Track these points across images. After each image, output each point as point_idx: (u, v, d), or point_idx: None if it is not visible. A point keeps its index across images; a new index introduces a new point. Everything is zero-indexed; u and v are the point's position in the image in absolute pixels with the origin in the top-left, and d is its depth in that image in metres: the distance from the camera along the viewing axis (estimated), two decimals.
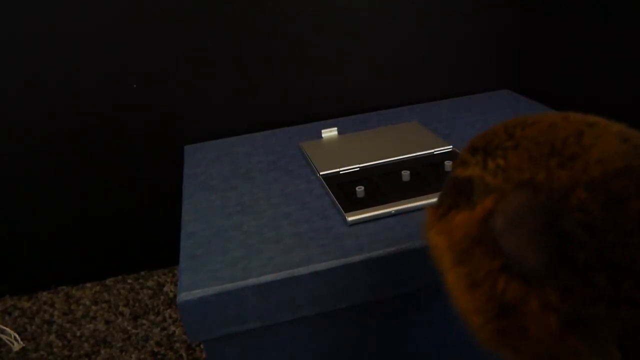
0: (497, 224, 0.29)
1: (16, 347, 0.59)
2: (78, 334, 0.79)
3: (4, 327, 0.58)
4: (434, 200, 0.57)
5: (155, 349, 0.74)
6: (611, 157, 0.28)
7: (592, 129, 0.30)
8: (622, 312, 0.25)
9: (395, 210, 0.57)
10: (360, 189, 0.60)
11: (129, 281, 0.91)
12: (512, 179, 0.30)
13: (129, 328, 0.79)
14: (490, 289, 0.29)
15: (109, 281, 0.91)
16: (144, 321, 0.80)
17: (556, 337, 0.27)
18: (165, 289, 0.88)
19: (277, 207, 0.61)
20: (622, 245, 0.25)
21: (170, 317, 0.81)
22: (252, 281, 0.49)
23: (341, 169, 0.67)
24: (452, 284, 0.33)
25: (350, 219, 0.56)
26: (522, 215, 0.28)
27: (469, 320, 0.32)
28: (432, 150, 0.70)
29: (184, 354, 0.73)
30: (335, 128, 0.79)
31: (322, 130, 0.78)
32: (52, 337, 0.79)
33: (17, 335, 0.59)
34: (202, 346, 0.73)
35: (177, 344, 0.75)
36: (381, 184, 0.62)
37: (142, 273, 0.93)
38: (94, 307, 0.85)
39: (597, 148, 0.29)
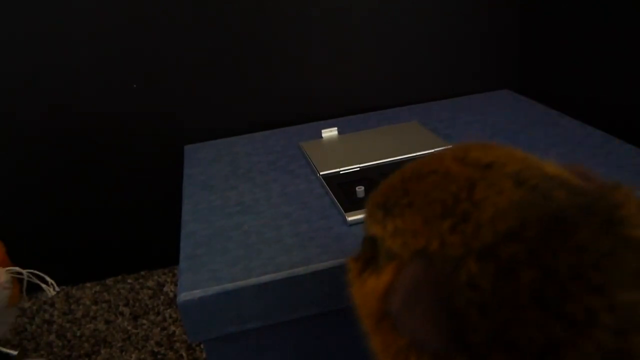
0: (394, 303, 0.27)
1: (52, 292, 0.62)
2: (78, 334, 0.79)
3: (44, 275, 0.61)
4: None
5: (155, 349, 0.74)
6: (502, 213, 0.25)
7: (485, 174, 0.28)
8: None
9: None
10: (360, 189, 0.60)
11: (129, 281, 0.91)
12: (408, 246, 0.28)
13: (129, 328, 0.79)
14: None
15: (109, 281, 0.91)
16: (144, 321, 0.80)
17: None
18: (165, 289, 0.88)
19: (277, 207, 0.61)
20: (517, 324, 0.22)
21: (170, 317, 0.81)
22: (252, 281, 0.49)
23: (341, 169, 0.67)
24: (376, 349, 0.31)
25: (350, 219, 0.56)
26: (417, 291, 0.26)
27: None
28: (432, 150, 0.70)
29: (184, 354, 0.73)
30: (335, 128, 0.79)
31: (322, 130, 0.78)
32: (52, 337, 0.79)
33: (53, 283, 0.62)
34: (202, 346, 0.73)
35: (177, 344, 0.75)
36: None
37: (142, 273, 0.93)
38: (94, 307, 0.85)
39: (489, 202, 0.26)
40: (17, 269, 0.61)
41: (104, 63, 0.80)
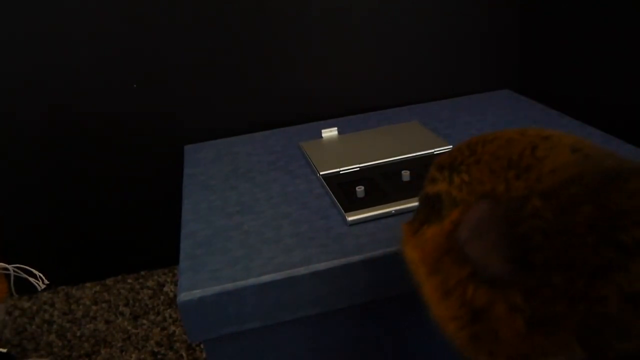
0: (462, 234, 0.32)
1: (41, 286, 0.61)
2: (78, 334, 0.79)
3: (32, 269, 0.60)
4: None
5: (155, 349, 0.74)
6: (563, 167, 0.30)
7: (545, 142, 0.33)
8: (579, 309, 0.26)
9: (395, 210, 0.57)
10: (360, 189, 0.60)
11: (129, 281, 0.91)
12: (475, 192, 0.32)
13: (129, 328, 0.79)
14: (461, 296, 0.31)
15: (109, 281, 0.91)
16: (144, 321, 0.80)
17: (523, 337, 0.28)
18: (165, 289, 0.88)
19: (277, 207, 0.61)
20: (574, 247, 0.26)
21: (170, 317, 0.81)
22: (252, 281, 0.49)
23: (341, 169, 0.67)
24: (428, 295, 0.34)
25: (350, 219, 0.56)
26: (484, 224, 0.30)
27: (445, 328, 0.33)
28: (432, 150, 0.70)
29: (184, 354, 0.73)
30: (335, 128, 0.79)
31: (322, 130, 0.78)
32: (52, 337, 0.79)
33: (42, 276, 0.61)
34: (202, 346, 0.73)
35: (177, 344, 0.75)
36: (381, 184, 0.62)
37: (142, 273, 0.93)
38: (94, 307, 0.85)
39: (550, 159, 0.31)
40: (3, 264, 0.60)
41: (104, 63, 0.80)
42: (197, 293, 0.48)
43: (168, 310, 0.82)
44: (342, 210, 0.57)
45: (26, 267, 0.60)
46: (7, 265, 0.60)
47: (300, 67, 0.87)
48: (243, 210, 0.61)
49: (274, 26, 0.84)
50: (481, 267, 0.30)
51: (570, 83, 0.85)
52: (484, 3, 0.89)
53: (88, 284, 0.91)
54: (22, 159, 0.82)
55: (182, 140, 0.87)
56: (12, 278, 0.61)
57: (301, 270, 0.50)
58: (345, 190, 0.61)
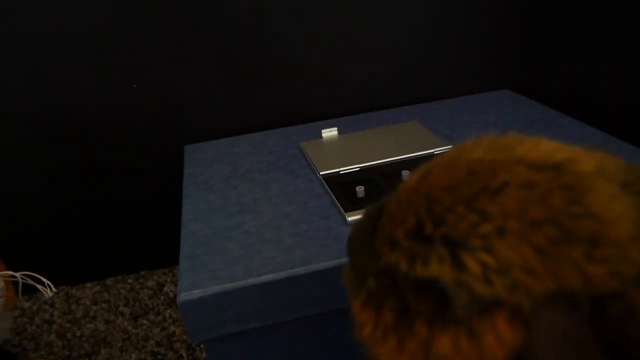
0: None
1: (49, 293, 0.61)
2: (78, 334, 0.79)
3: (39, 277, 0.60)
4: None
5: (155, 349, 0.74)
6: (636, 223, 0.21)
7: (577, 180, 0.23)
8: None
9: None
10: (360, 189, 0.60)
11: (129, 281, 0.91)
12: (525, 288, 0.21)
13: (129, 328, 0.79)
14: None
15: (109, 281, 0.91)
16: (144, 321, 0.80)
17: None
18: (165, 289, 0.88)
19: (277, 207, 0.61)
20: None
21: (170, 317, 0.81)
22: (252, 281, 0.49)
23: (341, 169, 0.67)
24: None
25: (350, 219, 0.56)
26: (568, 343, 0.20)
27: None
28: (432, 150, 0.70)
29: (184, 354, 0.73)
30: (335, 128, 0.79)
31: (322, 130, 0.78)
32: (52, 337, 0.79)
33: (50, 284, 0.61)
34: (202, 346, 0.73)
35: (177, 344, 0.75)
36: (381, 184, 0.62)
37: (142, 273, 0.93)
38: (94, 307, 0.85)
39: (610, 213, 0.21)
40: (10, 272, 0.59)
41: (103, 63, 0.80)
42: (197, 293, 0.48)
43: (168, 310, 0.82)
44: (342, 210, 0.57)
45: (34, 274, 0.60)
46: (14, 273, 0.59)
47: (300, 67, 0.87)
48: (243, 210, 0.61)
49: (274, 26, 0.83)
50: None
51: (570, 83, 0.85)
52: (484, 3, 0.89)
53: (88, 284, 0.91)
54: (20, 158, 0.82)
55: (182, 140, 0.87)
56: (20, 286, 0.61)
57: (301, 270, 0.50)
58: (345, 190, 0.61)
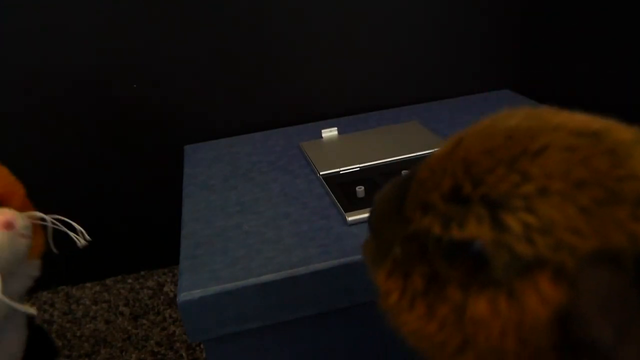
0: (591, 327, 0.20)
1: (82, 242, 0.56)
2: (78, 334, 0.79)
3: (72, 222, 0.55)
4: None
5: (155, 349, 0.74)
6: None
7: (617, 144, 0.23)
8: None
9: None
10: (360, 189, 0.60)
11: (129, 281, 0.91)
12: (569, 247, 0.21)
13: (129, 328, 0.79)
14: None
15: (109, 281, 0.91)
16: (144, 321, 0.80)
17: None
18: (165, 289, 0.88)
19: (277, 207, 0.61)
20: None
21: (170, 317, 0.81)
22: (252, 281, 0.49)
23: (341, 169, 0.67)
24: None
25: (350, 219, 0.56)
26: (615, 303, 0.20)
27: None
28: (432, 150, 0.70)
29: (184, 354, 0.73)
30: (335, 128, 0.79)
31: (322, 130, 0.78)
32: (52, 337, 0.79)
33: (83, 231, 0.56)
34: (202, 346, 0.73)
35: (177, 344, 0.75)
36: (381, 184, 0.62)
37: (142, 273, 0.93)
38: (94, 307, 0.85)
39: None
40: (40, 214, 0.52)
41: (103, 63, 0.80)
42: (197, 293, 0.48)
43: (168, 310, 0.82)
44: (342, 210, 0.57)
45: (65, 219, 0.53)
46: (45, 216, 0.52)
47: (300, 67, 0.87)
48: (243, 210, 0.61)
49: (274, 26, 0.83)
50: None
51: (571, 83, 0.85)
52: (484, 3, 0.89)
53: (88, 284, 0.91)
54: (20, 158, 0.82)
55: (182, 140, 0.87)
56: (50, 231, 0.53)
57: (301, 270, 0.50)
58: (345, 190, 0.61)
